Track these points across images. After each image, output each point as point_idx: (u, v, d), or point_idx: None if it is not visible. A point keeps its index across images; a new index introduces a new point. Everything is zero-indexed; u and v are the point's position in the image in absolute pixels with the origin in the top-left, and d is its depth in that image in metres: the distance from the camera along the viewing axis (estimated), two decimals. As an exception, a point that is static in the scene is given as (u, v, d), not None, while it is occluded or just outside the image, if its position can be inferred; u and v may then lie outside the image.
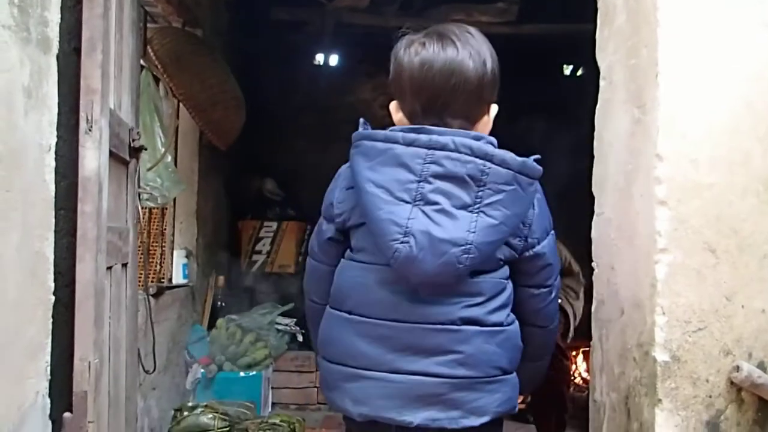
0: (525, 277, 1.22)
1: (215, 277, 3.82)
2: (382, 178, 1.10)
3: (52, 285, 1.46)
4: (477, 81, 1.13)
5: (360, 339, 1.16)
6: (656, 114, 1.27)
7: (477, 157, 1.08)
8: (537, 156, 1.15)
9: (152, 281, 3.07)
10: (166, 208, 3.34)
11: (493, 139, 1.15)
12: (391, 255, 1.09)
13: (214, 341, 3.45)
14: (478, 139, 1.12)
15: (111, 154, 1.68)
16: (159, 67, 2.75)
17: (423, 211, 1.08)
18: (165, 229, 3.39)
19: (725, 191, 1.27)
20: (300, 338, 3.76)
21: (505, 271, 1.19)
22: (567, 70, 5.24)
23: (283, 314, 3.79)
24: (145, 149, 2.14)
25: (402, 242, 1.08)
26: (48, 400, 1.43)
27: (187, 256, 3.45)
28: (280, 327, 3.71)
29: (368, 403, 1.14)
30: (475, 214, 1.08)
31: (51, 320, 1.45)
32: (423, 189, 1.08)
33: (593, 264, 1.55)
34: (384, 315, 1.14)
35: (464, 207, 1.08)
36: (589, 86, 1.67)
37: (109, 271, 1.72)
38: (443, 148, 1.09)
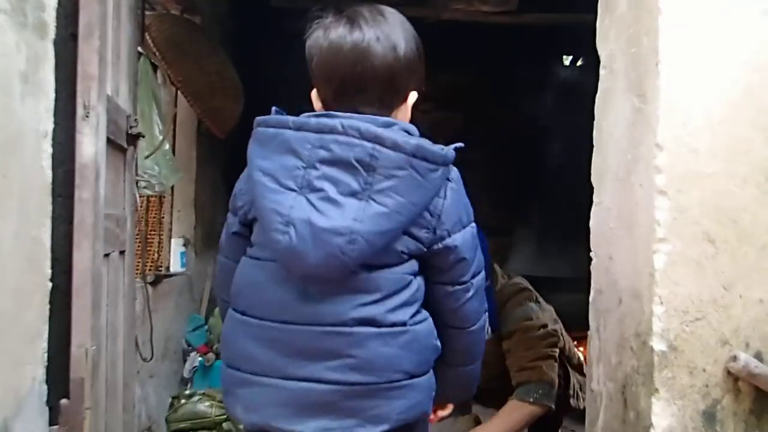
0: (437, 272, 1.13)
1: (213, 265, 3.82)
2: (270, 165, 1.04)
3: (49, 271, 1.45)
4: (385, 67, 1.06)
5: (252, 342, 1.08)
6: (656, 103, 1.26)
7: (366, 140, 1.01)
8: (458, 144, 1.09)
9: (150, 270, 3.06)
10: (164, 197, 3.33)
11: (411, 127, 1.08)
12: (275, 247, 1.03)
13: (212, 330, 3.45)
14: (388, 125, 1.05)
15: (108, 140, 1.67)
16: (157, 54, 2.73)
17: (307, 199, 1.01)
18: (163, 218, 3.38)
19: (725, 181, 1.26)
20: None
21: (412, 265, 1.10)
22: (567, 60, 5.22)
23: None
24: (143, 136, 2.13)
25: (283, 233, 1.01)
26: (45, 387, 1.43)
27: (185, 245, 3.44)
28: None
29: (259, 411, 1.07)
30: (364, 202, 1.00)
31: (48, 306, 1.45)
32: (309, 175, 1.02)
33: (591, 254, 1.55)
34: (275, 316, 1.07)
35: (352, 194, 1.01)
36: (590, 76, 1.66)
37: (107, 258, 1.72)
38: (332, 131, 1.02)
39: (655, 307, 1.25)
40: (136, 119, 2.00)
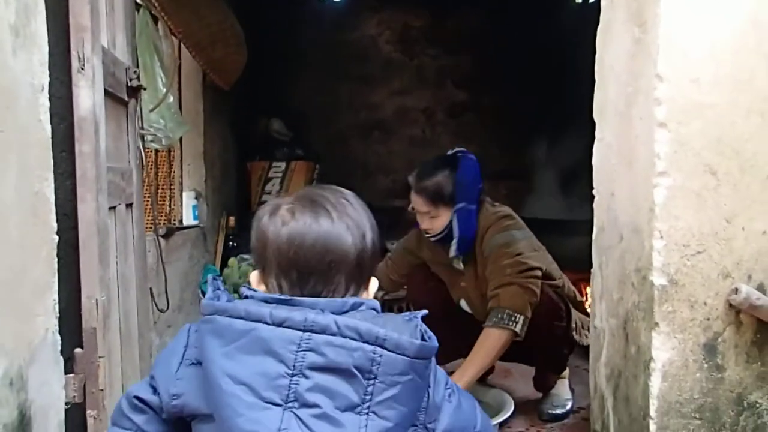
0: None
1: (226, 217, 3.86)
2: (242, 370, 0.85)
3: (55, 225, 1.47)
4: (356, 257, 0.95)
5: None
6: (657, 32, 1.22)
7: (366, 342, 0.86)
8: (429, 336, 0.91)
9: (163, 223, 3.10)
10: (173, 150, 3.34)
11: (376, 303, 0.95)
12: None
13: (226, 280, 3.51)
14: (357, 306, 0.92)
15: (107, 93, 1.67)
16: (156, 4, 2.69)
17: (298, 417, 0.84)
18: (174, 172, 3.40)
19: (728, 111, 1.23)
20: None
21: None
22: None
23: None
24: (144, 89, 2.12)
25: None
26: (58, 337, 1.46)
27: (196, 198, 3.47)
28: (291, 265, 3.76)
29: None
30: (364, 417, 0.85)
31: (56, 260, 1.47)
32: (298, 386, 0.85)
33: (594, 191, 1.53)
34: None
35: (351, 408, 0.85)
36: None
37: (113, 211, 1.74)
38: (323, 331, 0.86)
39: (655, 242, 1.25)
40: (136, 71, 1.99)
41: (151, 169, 3.01)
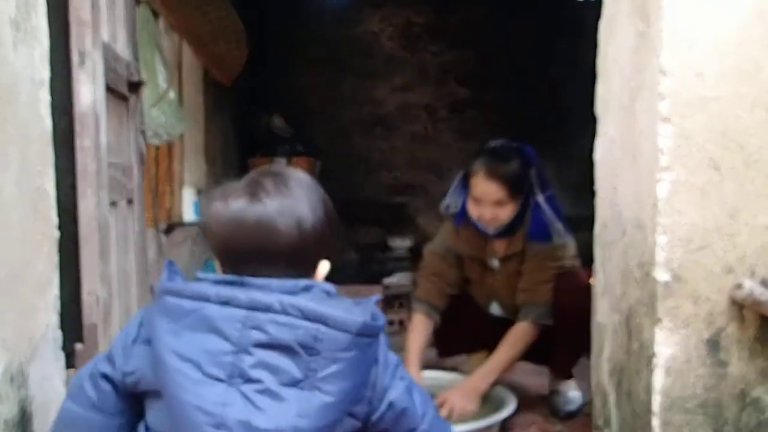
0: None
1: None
2: (188, 348, 0.88)
3: (56, 220, 1.47)
4: (289, 243, 0.95)
5: None
6: (660, 25, 1.21)
7: (309, 320, 0.89)
8: (377, 317, 0.94)
9: (164, 219, 3.10)
10: (174, 146, 3.33)
11: (329, 286, 0.97)
12: None
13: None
14: (309, 288, 0.94)
15: (108, 88, 1.67)
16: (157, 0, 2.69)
17: (242, 393, 0.87)
18: (175, 167, 3.40)
19: (732, 105, 1.22)
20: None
21: None
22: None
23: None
24: (145, 84, 2.12)
25: None
26: (59, 332, 1.46)
27: (198, 194, 3.47)
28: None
29: None
30: (308, 392, 0.88)
31: (57, 255, 1.47)
32: (241, 362, 0.87)
33: (596, 187, 1.53)
34: None
35: (293, 383, 0.88)
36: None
37: (114, 206, 1.73)
38: (267, 309, 0.89)
39: (658, 237, 1.24)
40: (137, 67, 1.98)
41: (151, 164, 3.01)
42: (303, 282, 0.95)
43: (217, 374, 0.87)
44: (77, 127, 1.51)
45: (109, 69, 1.68)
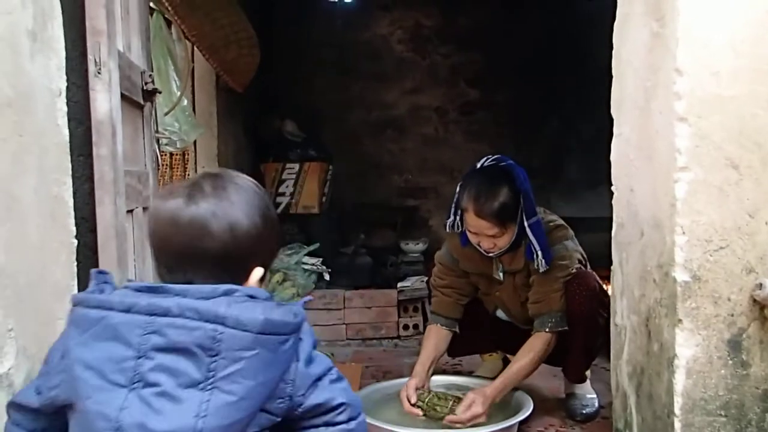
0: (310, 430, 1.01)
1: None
2: (93, 356, 0.90)
3: (74, 228, 1.48)
4: (220, 246, 0.96)
5: None
6: (675, 25, 1.21)
7: (206, 321, 0.89)
8: (308, 298, 1.00)
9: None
10: (187, 153, 3.35)
11: (256, 291, 0.97)
12: None
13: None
14: (231, 293, 0.94)
15: (123, 97, 1.68)
16: (169, 8, 2.70)
17: (140, 397, 0.88)
18: (188, 175, 3.42)
19: (749, 103, 1.22)
20: (327, 277, 3.81)
21: None
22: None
23: (309, 254, 3.84)
24: (159, 92, 2.13)
25: None
26: (79, 339, 1.47)
27: (211, 200, 3.48)
28: (306, 266, 3.76)
29: None
30: (207, 392, 0.88)
31: (75, 263, 1.48)
32: (141, 367, 0.89)
33: (612, 188, 1.52)
34: None
35: (193, 385, 0.89)
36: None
37: (131, 214, 1.74)
38: (166, 313, 0.90)
39: (677, 238, 1.23)
40: (151, 75, 2.00)
41: (165, 171, 3.03)
42: (224, 287, 0.94)
43: (119, 380, 0.89)
44: (94, 136, 1.52)
45: (125, 77, 1.69)
